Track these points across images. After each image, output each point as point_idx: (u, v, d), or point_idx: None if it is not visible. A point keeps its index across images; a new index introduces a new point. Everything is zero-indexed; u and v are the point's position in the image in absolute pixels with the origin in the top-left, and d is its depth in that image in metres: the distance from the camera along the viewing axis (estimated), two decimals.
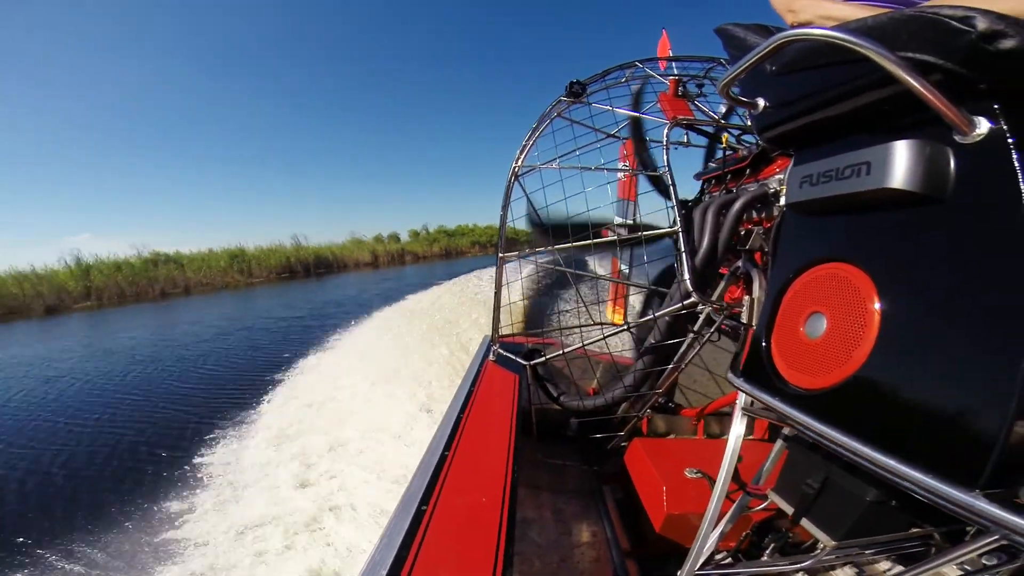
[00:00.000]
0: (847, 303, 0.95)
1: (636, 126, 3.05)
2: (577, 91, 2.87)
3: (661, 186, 2.97)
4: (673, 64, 3.12)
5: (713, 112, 2.78)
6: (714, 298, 2.09)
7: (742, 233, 1.98)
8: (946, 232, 0.79)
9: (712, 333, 2.21)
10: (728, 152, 2.46)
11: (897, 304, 0.86)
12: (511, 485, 1.82)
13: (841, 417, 0.92)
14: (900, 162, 0.83)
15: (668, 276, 2.87)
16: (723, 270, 2.14)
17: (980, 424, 0.70)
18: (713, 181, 2.57)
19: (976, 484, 0.70)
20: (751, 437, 2.47)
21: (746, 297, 1.91)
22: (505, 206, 3.03)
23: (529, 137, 3.02)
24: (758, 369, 1.17)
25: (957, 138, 0.77)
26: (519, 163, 2.99)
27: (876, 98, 0.91)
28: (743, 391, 1.21)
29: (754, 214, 1.94)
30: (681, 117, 2.61)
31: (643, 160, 3.07)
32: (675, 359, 2.41)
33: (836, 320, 0.97)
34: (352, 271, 38.79)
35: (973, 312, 0.74)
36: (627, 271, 3.68)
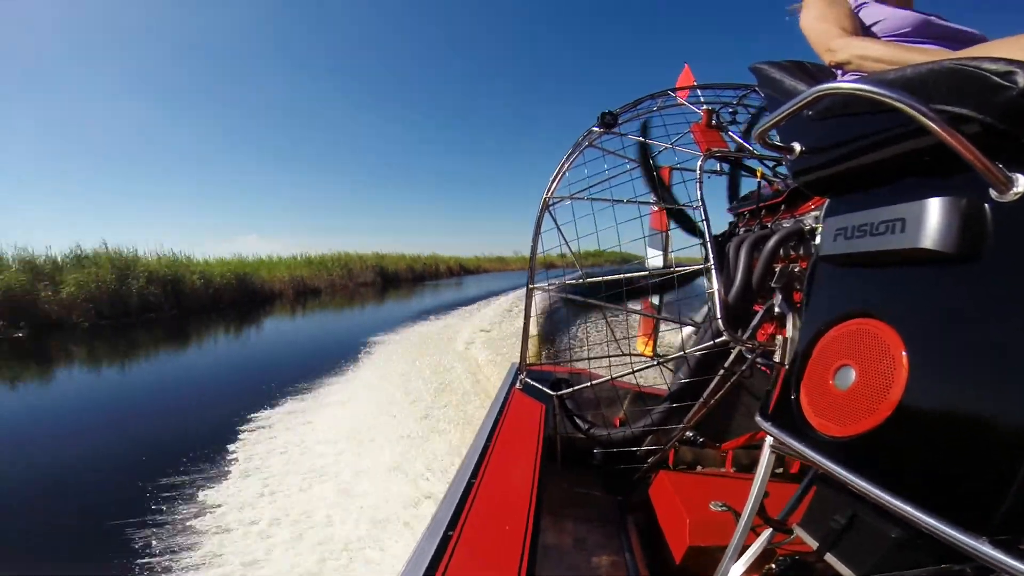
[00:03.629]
0: (876, 359, 0.93)
1: (645, 162, 3.01)
2: (609, 121, 2.86)
3: (684, 222, 2.94)
4: (700, 94, 3.09)
5: (747, 143, 2.74)
6: (746, 336, 2.05)
7: (777, 270, 1.95)
8: (977, 293, 0.77)
9: (743, 371, 2.17)
10: (763, 185, 2.43)
11: (925, 361, 0.84)
12: (535, 514, 1.83)
13: (863, 463, 0.92)
14: (935, 221, 0.80)
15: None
16: (756, 307, 2.10)
17: (995, 476, 0.71)
18: (747, 215, 2.54)
19: (985, 531, 0.70)
20: (779, 471, 2.41)
21: (779, 336, 1.86)
22: (536, 237, 3.04)
23: (561, 166, 3.03)
24: (787, 414, 1.15)
25: (994, 195, 0.74)
26: (550, 193, 3.00)
27: (915, 148, 0.89)
28: (771, 435, 1.20)
29: (792, 251, 1.91)
30: (715, 149, 2.58)
31: (660, 196, 3.04)
32: (704, 395, 2.36)
33: (864, 375, 0.95)
34: None
35: (999, 372, 0.72)
36: (657, 304, 3.64)
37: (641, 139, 2.91)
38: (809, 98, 0.91)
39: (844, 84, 0.85)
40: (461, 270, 51.27)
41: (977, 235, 0.77)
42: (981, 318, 0.76)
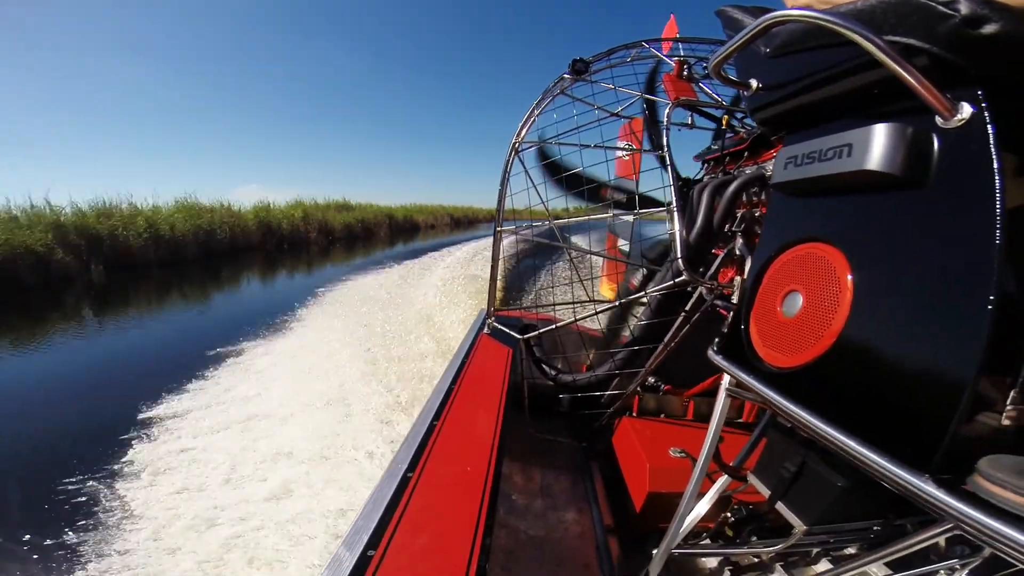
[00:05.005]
0: (823, 283, 0.96)
1: (649, 105, 3.02)
2: (580, 69, 2.83)
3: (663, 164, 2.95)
4: (679, 46, 3.05)
5: (718, 95, 2.74)
6: (707, 278, 2.09)
7: (738, 215, 1.98)
8: (921, 216, 0.80)
9: (701, 313, 2.22)
10: (729, 134, 2.44)
11: (869, 285, 0.86)
12: (497, 456, 1.85)
13: (810, 396, 0.94)
14: (880, 144, 0.83)
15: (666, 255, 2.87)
16: (718, 251, 2.14)
17: (936, 410, 0.71)
18: (713, 163, 2.56)
19: (927, 468, 0.71)
20: (739, 420, 2.50)
21: (737, 278, 1.91)
22: (504, 181, 3.01)
23: (531, 113, 2.99)
24: (737, 347, 1.19)
25: (939, 123, 0.77)
26: (520, 138, 2.96)
27: (865, 82, 0.91)
28: (722, 368, 1.23)
29: (753, 197, 1.94)
30: (683, 98, 2.57)
31: (653, 139, 3.04)
32: (665, 339, 2.42)
33: (811, 299, 0.98)
34: None
35: (940, 298, 0.74)
36: (626, 248, 3.67)
37: (611, 86, 2.88)
38: (760, 26, 0.92)
39: (794, 12, 0.86)
40: (489, 217, 68.83)
41: (922, 160, 0.80)
42: (923, 240, 0.79)
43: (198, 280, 14.75)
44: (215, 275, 15.59)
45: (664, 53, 2.99)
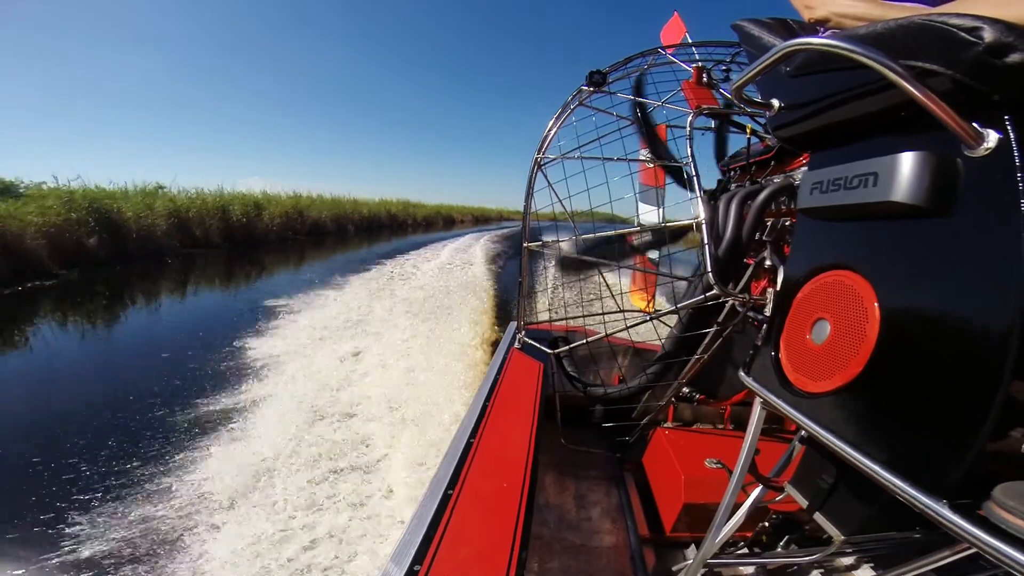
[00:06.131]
0: (850, 312, 0.95)
1: (644, 117, 3.00)
2: (598, 80, 2.82)
3: (680, 177, 2.93)
4: (694, 50, 3.03)
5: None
6: (738, 289, 2.07)
7: (768, 224, 1.96)
8: (947, 246, 0.79)
9: (735, 325, 2.20)
10: (754, 142, 2.42)
11: (896, 316, 0.86)
12: (532, 471, 1.90)
13: (836, 421, 0.94)
14: (906, 175, 0.82)
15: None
16: (749, 260, 2.12)
17: (956, 436, 0.72)
18: (737, 172, 2.54)
19: (944, 493, 0.72)
20: (776, 428, 2.47)
21: (770, 290, 1.89)
22: (528, 196, 3.04)
23: (551, 127, 3.00)
24: (767, 370, 1.19)
25: (965, 151, 0.76)
26: (541, 153, 2.98)
27: (889, 103, 0.90)
28: (752, 389, 1.23)
29: (782, 206, 1.92)
30: (705, 106, 2.56)
31: (656, 152, 3.02)
32: (699, 350, 2.41)
33: (839, 328, 0.98)
34: None
35: (962, 329, 0.74)
36: (656, 260, 3.64)
37: (631, 97, 2.88)
38: (778, 54, 0.92)
39: (813, 40, 0.86)
40: (500, 216, 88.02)
41: (947, 189, 0.79)
42: (948, 270, 0.78)
43: (384, 235, 32.27)
44: (377, 235, 31.81)
45: (675, 56, 2.95)
